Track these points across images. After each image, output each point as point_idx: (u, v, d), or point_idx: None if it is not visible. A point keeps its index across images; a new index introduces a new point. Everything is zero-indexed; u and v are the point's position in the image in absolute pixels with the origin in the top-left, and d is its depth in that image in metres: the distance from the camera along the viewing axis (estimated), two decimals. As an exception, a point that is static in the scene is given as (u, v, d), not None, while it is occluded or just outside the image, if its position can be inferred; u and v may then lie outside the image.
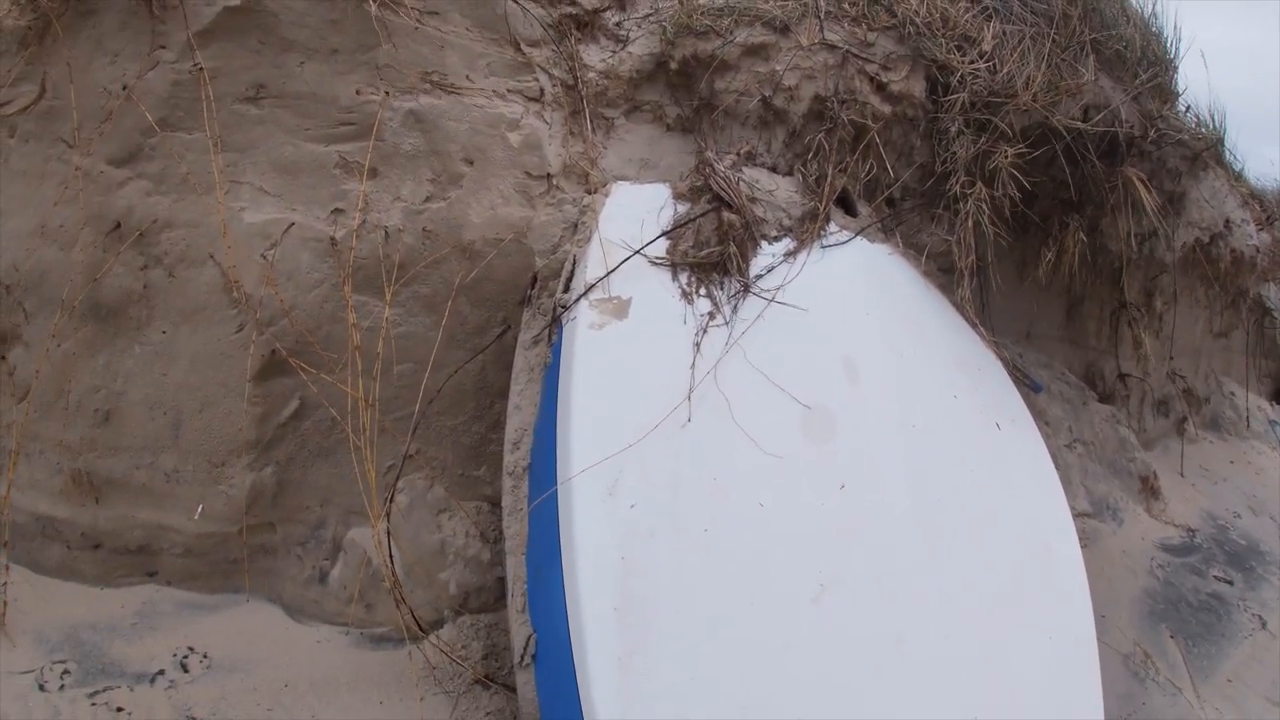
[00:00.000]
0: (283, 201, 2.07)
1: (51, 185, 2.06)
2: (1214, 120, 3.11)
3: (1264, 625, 2.53)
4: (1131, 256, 2.64)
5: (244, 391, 1.99)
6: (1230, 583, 2.68)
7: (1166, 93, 2.76)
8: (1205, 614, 2.52)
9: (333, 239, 2.03)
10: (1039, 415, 2.60)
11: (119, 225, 2.03)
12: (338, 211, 2.04)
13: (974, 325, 2.17)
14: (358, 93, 2.02)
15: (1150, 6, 2.76)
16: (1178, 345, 3.30)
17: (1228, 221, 3.24)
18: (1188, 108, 2.97)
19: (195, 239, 2.02)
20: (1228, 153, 3.31)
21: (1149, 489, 3.00)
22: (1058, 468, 2.12)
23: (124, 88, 2.01)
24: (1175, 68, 2.81)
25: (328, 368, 1.99)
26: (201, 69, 2.01)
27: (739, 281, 1.86)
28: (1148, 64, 2.63)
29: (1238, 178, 3.49)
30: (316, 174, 2.05)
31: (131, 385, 2.02)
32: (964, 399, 2.05)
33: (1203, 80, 3.33)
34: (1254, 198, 3.65)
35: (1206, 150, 2.95)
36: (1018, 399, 2.17)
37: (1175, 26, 2.82)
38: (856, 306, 1.98)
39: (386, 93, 2.00)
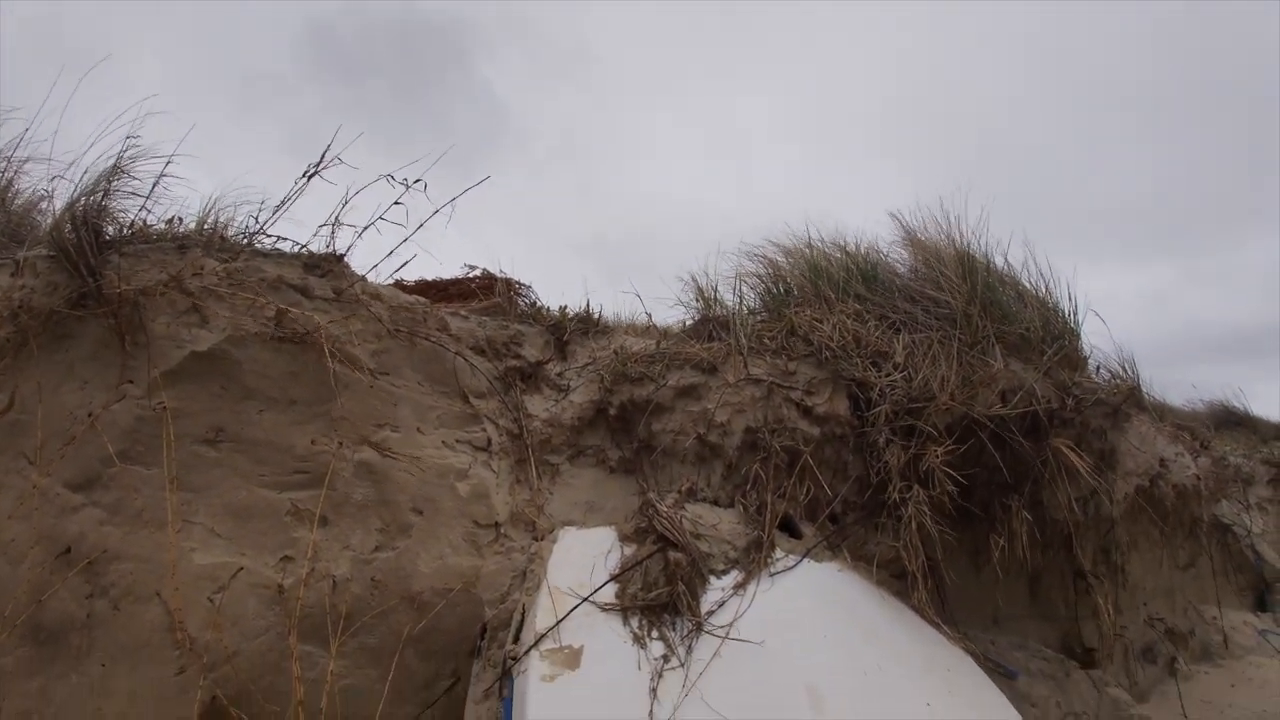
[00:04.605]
0: (233, 545, 2.06)
1: (8, 498, 2.03)
2: (1126, 369, 3.31)
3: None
4: (1078, 520, 2.68)
5: (182, 736, 1.84)
6: (1259, 805, 2.47)
7: (1075, 360, 2.96)
8: None
9: (280, 586, 2.00)
10: (1023, 700, 2.50)
11: (69, 550, 1.99)
12: (286, 559, 2.03)
13: (936, 625, 2.14)
14: (313, 442, 2.10)
15: (1044, 287, 3.03)
16: (1148, 590, 3.27)
17: (1162, 460, 3.35)
18: (1099, 366, 3.17)
19: (143, 574, 1.98)
20: (1146, 394, 3.49)
21: (1155, 742, 2.83)
22: (1054, 746, 2.00)
23: (89, 415, 2.07)
24: (1078, 335, 3.04)
25: (269, 719, 1.88)
26: (165, 408, 2.09)
27: (691, 621, 1.84)
28: (1052, 339, 2.85)
29: (1162, 415, 3.67)
30: (268, 519, 2.06)
31: (65, 713, 1.88)
32: (938, 704, 1.96)
33: (1111, 328, 3.59)
34: (1183, 429, 3.82)
35: (1125, 401, 3.12)
36: (995, 692, 2.09)
37: (1071, 297, 3.09)
38: (813, 630, 1.95)
39: (340, 443, 2.08)
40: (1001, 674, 2.22)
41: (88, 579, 1.97)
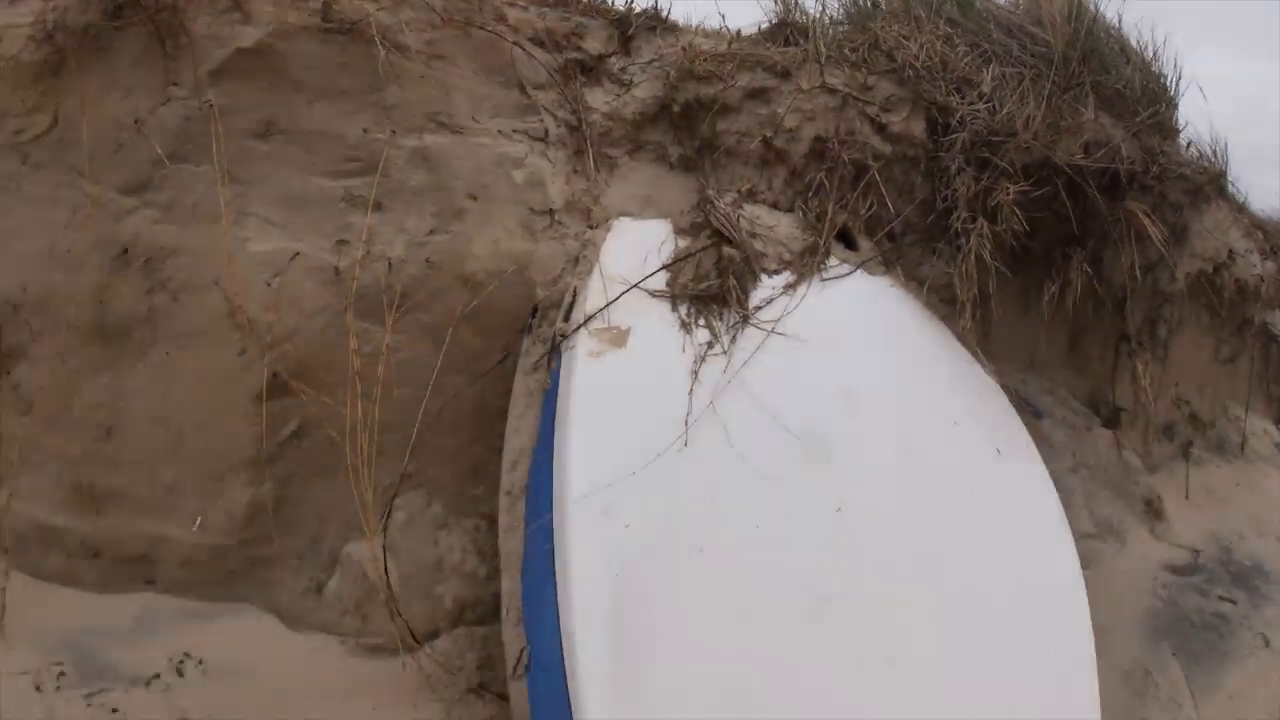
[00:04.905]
0: (288, 233, 2.09)
1: (62, 211, 2.08)
2: (1216, 154, 3.12)
3: (1267, 644, 2.50)
4: (1135, 287, 2.65)
5: (245, 411, 2.01)
6: (1234, 602, 2.66)
7: (1167, 129, 2.78)
8: (1208, 633, 2.50)
9: (336, 268, 2.05)
10: (1042, 441, 2.58)
11: (126, 251, 2.05)
12: (342, 243, 2.06)
13: (975, 355, 2.17)
14: (365, 131, 2.06)
15: (1150, 50, 2.78)
16: (1183, 371, 3.27)
17: (1231, 252, 3.24)
18: (1189, 143, 2.99)
19: (201, 266, 2.05)
20: (1230, 185, 3.30)
21: (1153, 511, 2.97)
22: (1061, 491, 2.10)
23: (136, 121, 2.05)
24: (1175, 105, 2.83)
25: (328, 390, 1.99)
26: (212, 106, 2.04)
27: (738, 313, 1.88)
28: (1148, 102, 2.66)
29: (1241, 209, 3.48)
30: (322, 207, 2.08)
31: (134, 402, 2.04)
32: (964, 426, 2.05)
33: (1205, 114, 3.32)
34: (1258, 228, 3.63)
35: (1209, 183, 2.97)
36: (1019, 426, 2.17)
37: (1176, 65, 2.84)
38: (856, 337, 2.00)
39: (393, 131, 2.05)
40: (1029, 411, 2.29)
41: (146, 275, 2.03)
